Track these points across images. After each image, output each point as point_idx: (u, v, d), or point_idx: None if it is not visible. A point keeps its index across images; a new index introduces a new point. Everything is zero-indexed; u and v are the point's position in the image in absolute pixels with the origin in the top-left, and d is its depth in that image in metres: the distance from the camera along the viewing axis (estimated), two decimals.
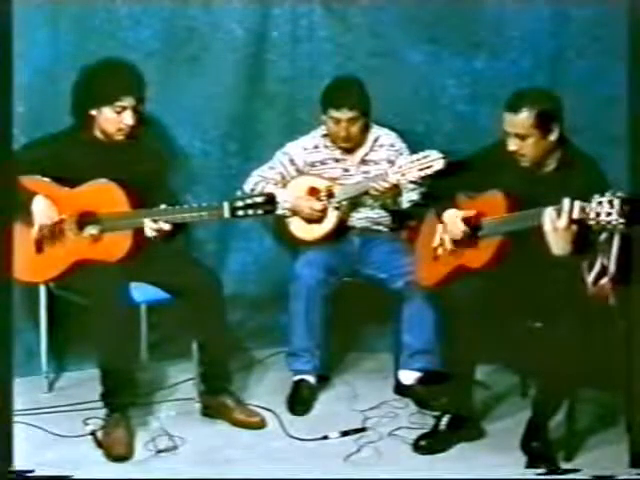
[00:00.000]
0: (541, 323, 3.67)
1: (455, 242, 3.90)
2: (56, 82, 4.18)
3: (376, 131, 4.76)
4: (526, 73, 4.34)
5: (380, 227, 4.75)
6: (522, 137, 3.61)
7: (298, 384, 4.27)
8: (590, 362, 3.59)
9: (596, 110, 4.14)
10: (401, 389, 4.29)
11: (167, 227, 3.85)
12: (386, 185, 4.50)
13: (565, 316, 3.52)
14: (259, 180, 4.51)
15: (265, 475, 3.64)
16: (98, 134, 3.98)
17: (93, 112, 3.94)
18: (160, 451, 3.76)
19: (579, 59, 4.26)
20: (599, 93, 4.17)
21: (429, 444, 3.80)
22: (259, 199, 3.88)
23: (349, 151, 4.75)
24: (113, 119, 3.91)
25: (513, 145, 3.64)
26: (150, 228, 3.85)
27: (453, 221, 3.90)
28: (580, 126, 3.90)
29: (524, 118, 3.59)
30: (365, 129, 4.72)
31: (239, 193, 4.36)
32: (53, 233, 3.92)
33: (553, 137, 3.61)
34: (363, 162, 4.75)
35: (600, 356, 3.63)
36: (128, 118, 3.90)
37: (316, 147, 4.76)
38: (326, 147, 4.74)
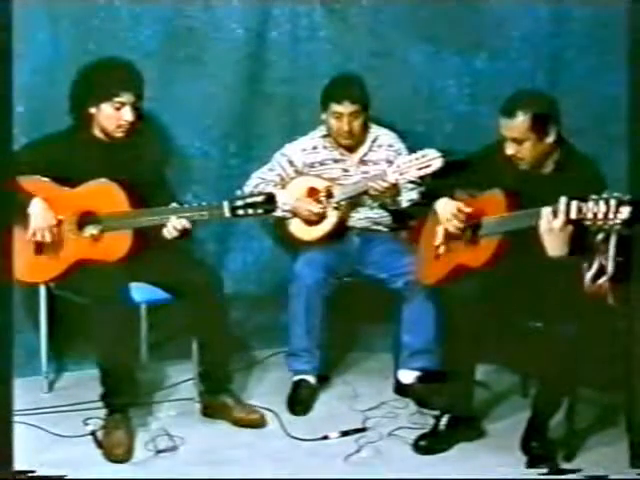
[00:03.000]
0: (541, 323, 3.68)
1: (453, 237, 3.87)
2: (56, 82, 4.18)
3: (375, 131, 4.75)
4: (526, 73, 4.33)
5: (380, 227, 4.73)
6: (519, 141, 3.62)
7: (298, 384, 4.26)
8: (590, 362, 3.61)
9: (596, 110, 4.13)
10: (401, 389, 4.29)
11: (189, 225, 3.87)
12: (385, 185, 4.47)
13: (565, 316, 3.52)
14: (259, 182, 4.51)
15: (265, 475, 3.65)
16: (97, 133, 3.98)
17: (92, 110, 3.94)
18: (160, 451, 3.75)
19: (579, 59, 4.26)
20: (599, 93, 4.17)
21: (429, 444, 3.79)
22: (259, 198, 3.88)
23: (349, 151, 4.71)
24: (112, 115, 3.91)
25: (510, 149, 3.65)
26: (173, 227, 3.86)
27: (448, 210, 3.92)
28: (580, 126, 3.91)
29: (519, 122, 3.60)
30: (365, 128, 4.69)
31: (239, 193, 4.35)
32: (51, 236, 3.93)
33: (550, 139, 3.61)
34: (362, 162, 4.72)
35: (600, 356, 3.63)
36: (127, 114, 3.90)
37: (315, 148, 4.74)
38: (325, 148, 4.71)
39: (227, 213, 3.86)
